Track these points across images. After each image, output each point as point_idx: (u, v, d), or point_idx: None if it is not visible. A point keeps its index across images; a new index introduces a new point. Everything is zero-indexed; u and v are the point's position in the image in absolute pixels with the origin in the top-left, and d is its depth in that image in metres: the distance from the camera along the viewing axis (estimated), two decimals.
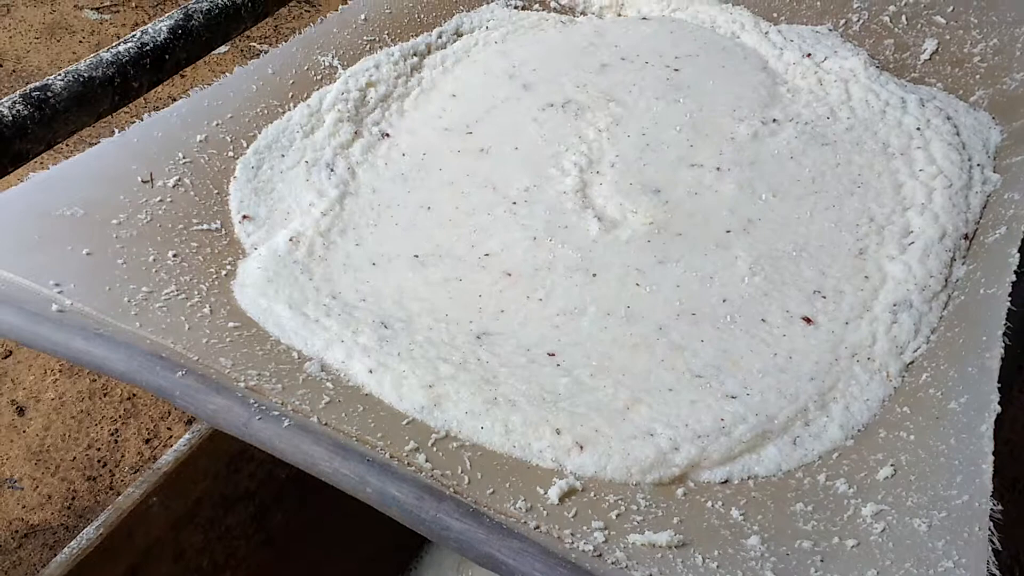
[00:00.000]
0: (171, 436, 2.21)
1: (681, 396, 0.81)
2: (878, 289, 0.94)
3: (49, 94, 1.04)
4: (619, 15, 1.42)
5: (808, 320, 0.90)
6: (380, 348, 0.84)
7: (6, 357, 2.31)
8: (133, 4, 3.54)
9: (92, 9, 3.49)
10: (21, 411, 2.23)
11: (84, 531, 1.02)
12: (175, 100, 3.15)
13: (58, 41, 3.33)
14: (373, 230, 0.99)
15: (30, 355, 2.31)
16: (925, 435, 0.76)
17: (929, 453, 0.74)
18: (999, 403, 0.76)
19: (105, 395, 2.28)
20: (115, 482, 2.13)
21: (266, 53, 1.14)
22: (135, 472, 2.16)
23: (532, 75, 1.21)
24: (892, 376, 0.85)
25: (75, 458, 2.16)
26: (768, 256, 0.97)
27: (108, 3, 3.54)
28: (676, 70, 1.24)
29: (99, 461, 2.16)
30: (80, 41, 3.33)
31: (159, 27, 1.16)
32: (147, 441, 2.21)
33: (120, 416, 2.24)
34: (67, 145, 2.54)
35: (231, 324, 0.84)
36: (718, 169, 1.08)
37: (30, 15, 3.41)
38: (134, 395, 2.28)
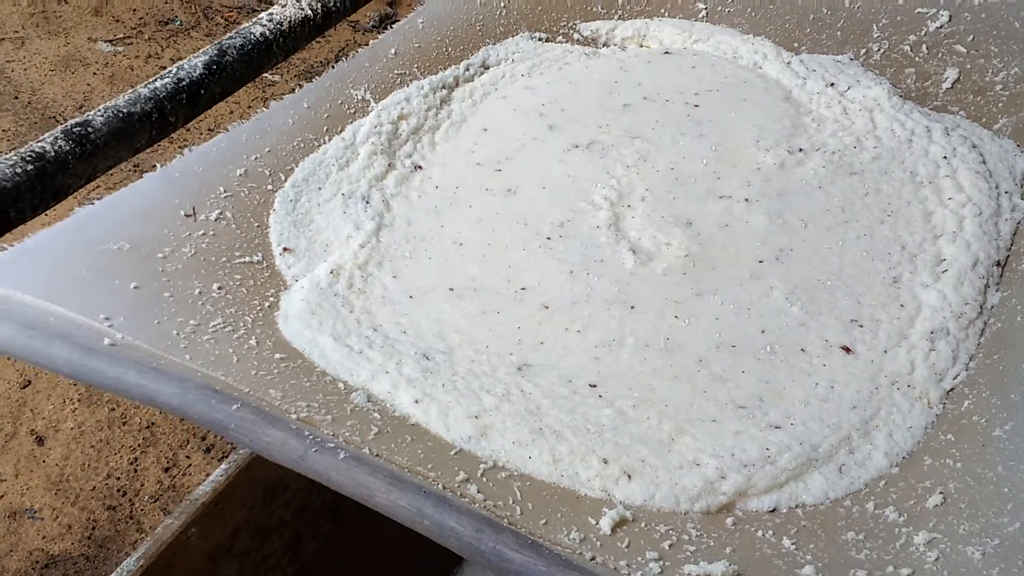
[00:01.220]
0: (190, 464, 2.21)
1: (725, 427, 0.82)
2: (914, 317, 0.95)
3: (89, 129, 1.06)
4: (641, 46, 1.44)
5: (847, 349, 0.91)
6: (424, 379, 0.85)
7: (25, 387, 2.32)
8: (146, 36, 3.58)
9: (106, 41, 3.52)
10: (41, 440, 2.23)
11: (124, 563, 1.02)
12: (187, 129, 3.13)
13: (72, 73, 3.36)
14: (408, 262, 1.00)
15: (49, 384, 2.32)
16: (972, 463, 0.77)
17: (977, 481, 0.75)
18: None
19: (124, 424, 2.28)
20: (135, 511, 2.13)
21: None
22: (155, 501, 2.16)
23: (559, 115, 1.23)
24: (933, 403, 0.86)
25: (95, 487, 2.16)
26: (803, 286, 0.98)
27: (121, 35, 3.58)
28: (696, 106, 1.25)
29: (119, 490, 2.17)
30: (94, 73, 3.36)
31: (194, 63, 1.18)
32: (166, 470, 2.22)
33: (139, 445, 2.25)
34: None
35: (277, 355, 0.85)
36: (747, 200, 1.09)
37: (44, 47, 3.44)
38: (153, 424, 2.28)
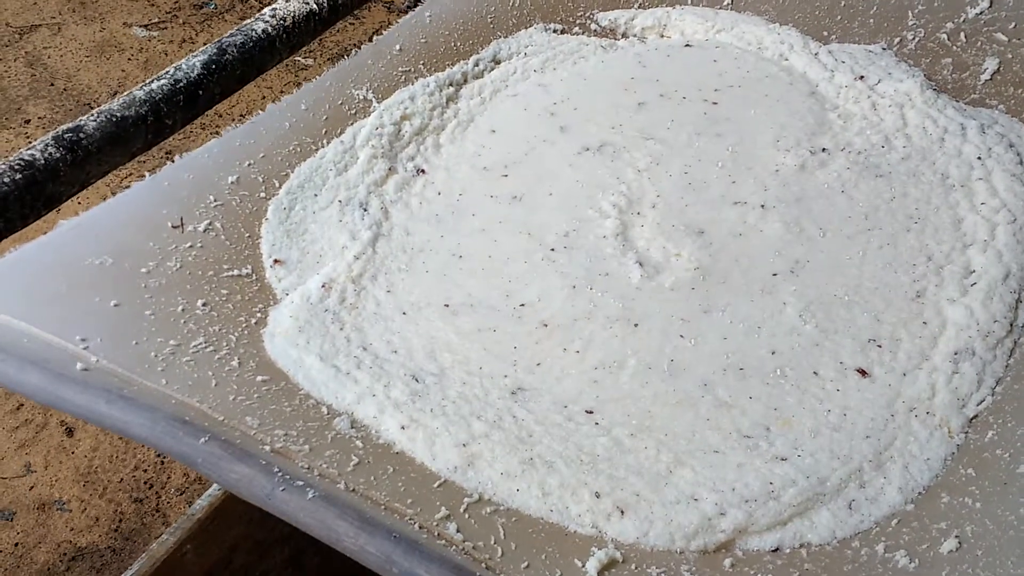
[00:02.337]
0: None
1: (727, 458, 0.77)
2: (937, 336, 0.88)
3: (81, 135, 1.03)
4: (661, 36, 1.38)
5: (863, 372, 0.85)
6: (412, 403, 0.81)
7: None
8: (180, 21, 3.57)
9: (140, 27, 3.52)
10: (70, 432, 2.25)
11: None
12: (218, 114, 3.11)
13: (108, 59, 3.36)
14: (404, 275, 0.96)
15: None
16: (992, 503, 0.71)
17: (997, 524, 0.69)
18: None
19: None
20: (161, 504, 2.14)
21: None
22: (181, 494, 2.17)
23: (571, 115, 1.17)
24: (954, 432, 0.80)
25: (122, 480, 2.17)
26: (818, 302, 0.92)
27: (156, 20, 3.57)
28: (715, 103, 1.18)
29: (146, 483, 2.17)
30: (129, 59, 3.36)
31: (192, 63, 1.14)
32: None
33: None
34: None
35: (259, 378, 0.82)
36: (762, 207, 1.03)
37: (80, 33, 3.45)
38: None
